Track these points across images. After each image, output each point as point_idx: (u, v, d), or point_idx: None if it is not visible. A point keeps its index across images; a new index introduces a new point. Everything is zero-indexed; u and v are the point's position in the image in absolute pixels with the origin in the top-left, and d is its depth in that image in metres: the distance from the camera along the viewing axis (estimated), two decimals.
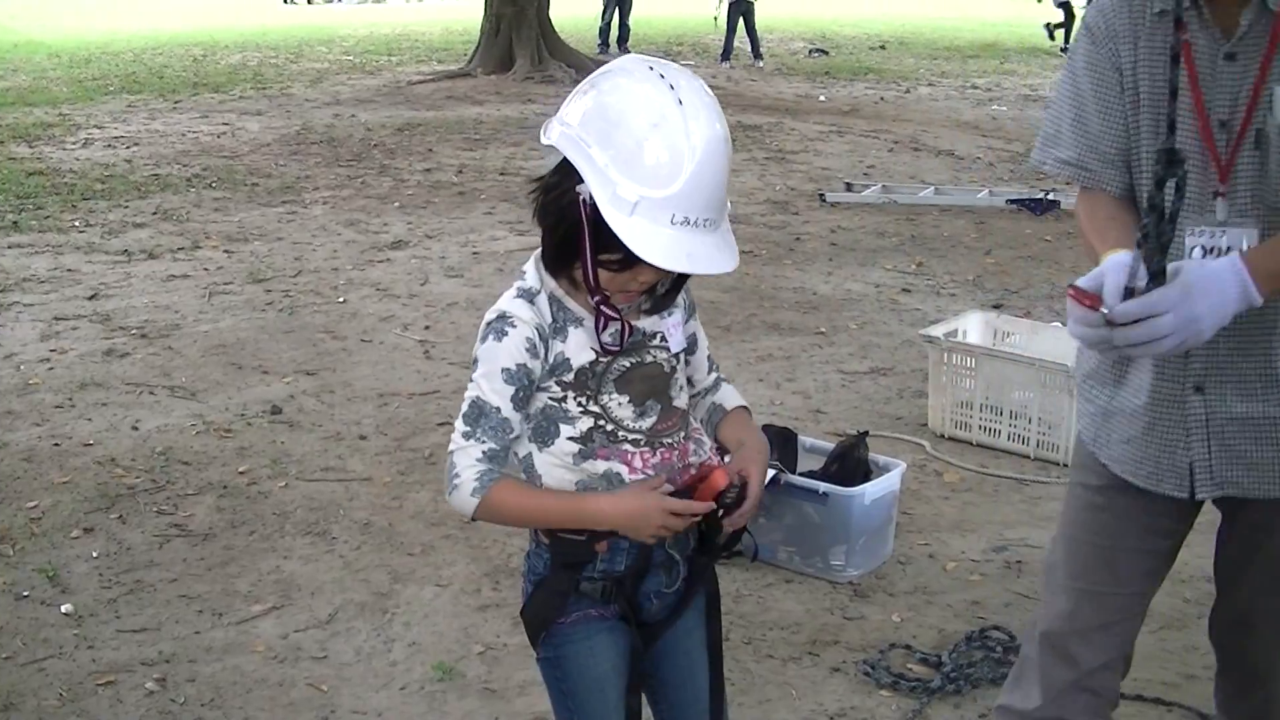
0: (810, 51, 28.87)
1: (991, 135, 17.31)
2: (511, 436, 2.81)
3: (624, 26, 27.91)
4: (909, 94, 22.00)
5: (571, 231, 2.66)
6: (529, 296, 2.79)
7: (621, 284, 2.73)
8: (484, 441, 2.76)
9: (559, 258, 2.74)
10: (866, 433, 5.81)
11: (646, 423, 2.85)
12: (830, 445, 5.74)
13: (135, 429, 6.81)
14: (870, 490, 5.30)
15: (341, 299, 9.23)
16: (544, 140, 2.70)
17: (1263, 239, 2.89)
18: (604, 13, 27.95)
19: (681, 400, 2.96)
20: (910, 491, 6.04)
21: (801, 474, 5.54)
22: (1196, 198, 2.94)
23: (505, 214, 11.88)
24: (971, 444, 6.73)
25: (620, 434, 2.82)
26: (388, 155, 15.05)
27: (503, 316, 2.76)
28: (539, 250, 2.81)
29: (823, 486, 5.29)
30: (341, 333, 8.47)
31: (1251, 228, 2.91)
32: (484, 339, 2.79)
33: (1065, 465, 6.16)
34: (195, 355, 7.98)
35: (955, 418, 6.83)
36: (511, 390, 2.76)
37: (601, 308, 2.76)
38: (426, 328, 8.60)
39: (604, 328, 2.79)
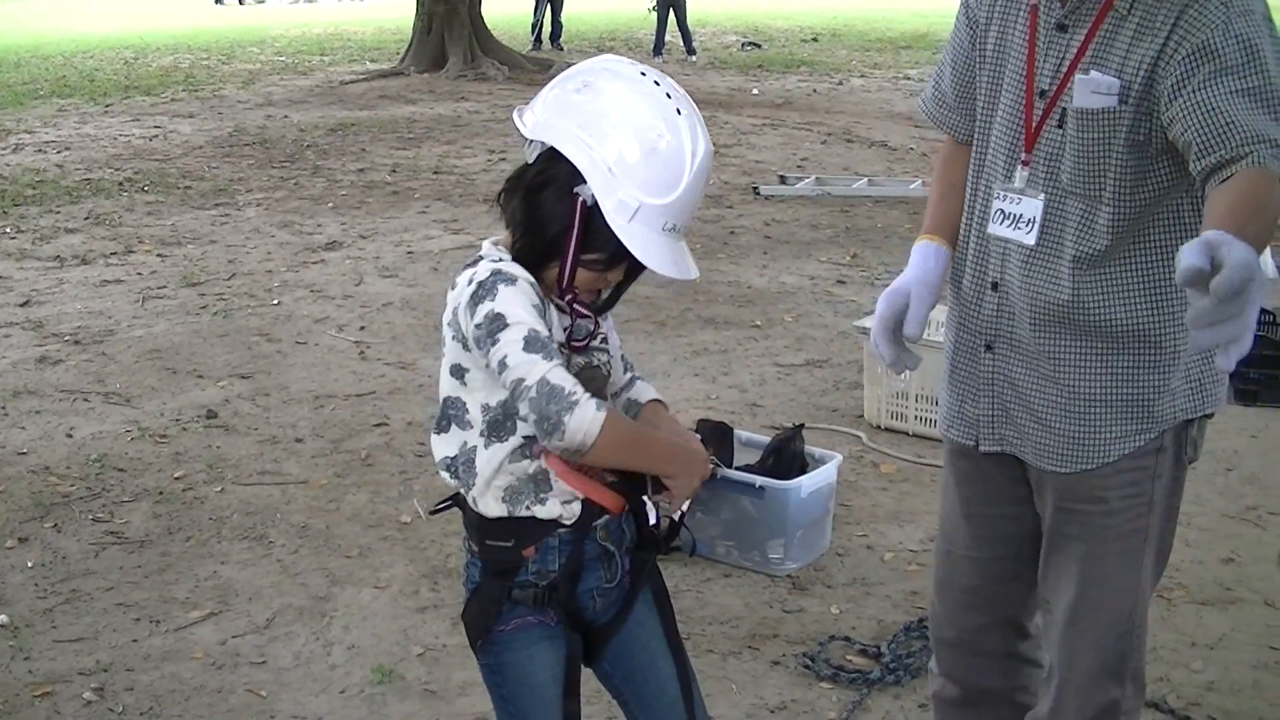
0: (743, 45, 28.91)
1: (924, 126, 17.32)
2: None
3: (556, 23, 27.89)
4: (842, 86, 22.05)
5: (562, 230, 2.67)
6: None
7: (591, 284, 2.76)
8: (562, 364, 2.64)
9: (540, 256, 2.73)
10: (802, 426, 5.83)
11: None
12: (766, 439, 5.75)
13: (70, 436, 6.77)
14: (807, 483, 5.32)
15: (276, 301, 9.19)
16: (532, 136, 2.70)
17: (1046, 211, 3.01)
18: (536, 9, 27.91)
19: (613, 406, 2.97)
20: (847, 483, 6.07)
21: (738, 468, 5.55)
22: (1005, 161, 3.10)
23: (439, 213, 11.86)
24: (908, 434, 6.76)
25: None
26: (321, 156, 14.99)
27: (499, 272, 2.67)
28: (492, 239, 2.80)
29: (759, 480, 5.31)
30: (276, 335, 8.43)
31: (1038, 198, 3.03)
32: (490, 293, 2.64)
33: None
34: (129, 361, 7.93)
35: (891, 409, 6.86)
36: (542, 328, 2.66)
37: (575, 305, 2.77)
38: (362, 328, 8.57)
39: (570, 325, 2.81)
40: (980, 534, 3.41)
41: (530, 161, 2.73)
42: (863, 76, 23.51)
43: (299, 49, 28.90)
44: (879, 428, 6.86)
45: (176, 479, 6.24)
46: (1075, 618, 3.25)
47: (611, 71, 2.75)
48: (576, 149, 2.64)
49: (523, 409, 2.62)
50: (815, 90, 21.34)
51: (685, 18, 26.29)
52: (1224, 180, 2.67)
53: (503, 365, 2.62)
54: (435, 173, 13.55)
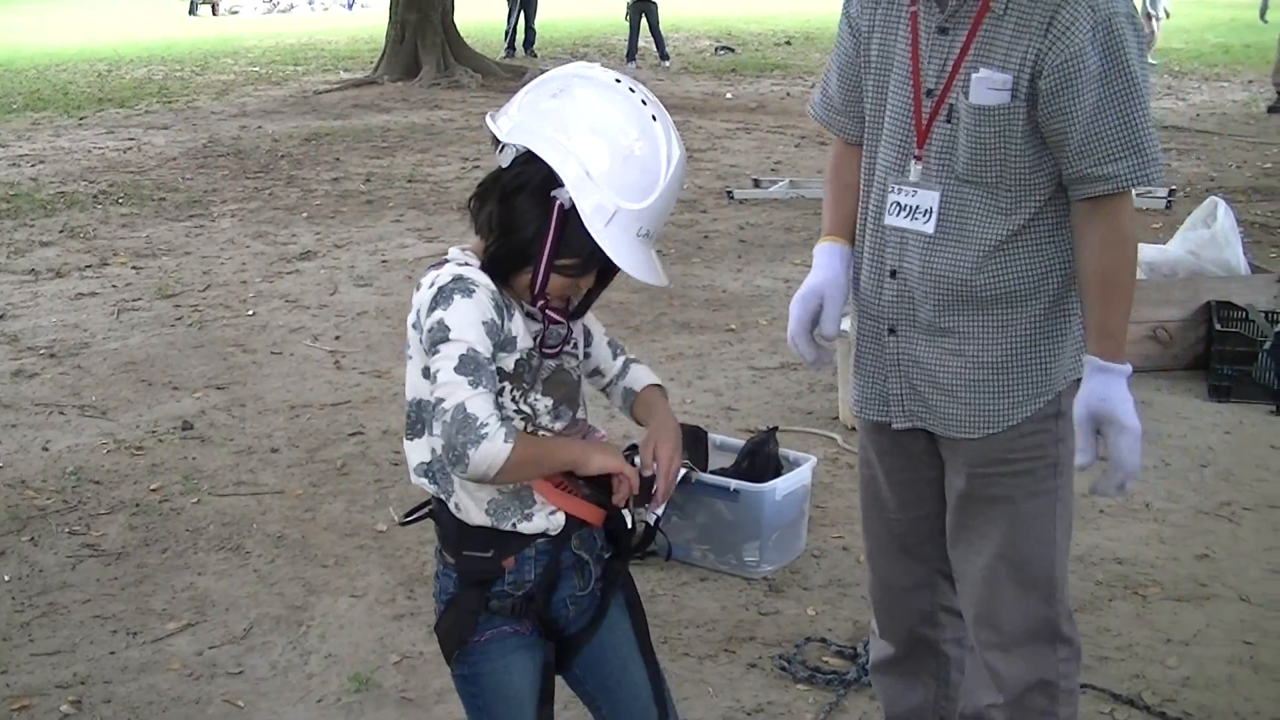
0: (716, 49, 28.96)
1: None
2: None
3: (529, 30, 27.88)
4: (815, 89, 22.07)
5: (536, 234, 2.69)
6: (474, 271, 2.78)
7: (563, 290, 2.78)
8: (490, 390, 2.67)
9: (514, 261, 2.75)
10: (776, 428, 5.85)
11: (558, 427, 2.88)
12: (741, 442, 5.77)
13: (46, 449, 6.76)
14: (781, 485, 5.34)
15: (251, 312, 9.19)
16: (508, 139, 2.72)
17: (943, 201, 3.21)
18: (509, 17, 27.91)
19: (584, 412, 2.99)
20: (822, 485, 6.10)
21: (713, 471, 5.57)
22: (898, 158, 3.30)
23: (413, 221, 11.87)
24: None
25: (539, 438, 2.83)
26: (295, 166, 14.98)
27: (461, 279, 2.70)
28: (460, 248, 2.82)
29: (734, 483, 5.33)
30: (251, 346, 8.43)
31: (934, 189, 3.23)
32: (446, 301, 2.68)
33: None
34: (105, 373, 7.93)
35: None
36: (491, 345, 2.70)
37: (548, 311, 2.79)
38: (337, 338, 8.58)
39: (545, 330, 2.83)
40: (907, 496, 3.61)
41: (505, 165, 2.74)
42: None
43: (273, 59, 28.87)
44: (854, 429, 6.87)
45: (153, 490, 6.24)
46: (992, 582, 3.44)
47: (586, 78, 2.78)
48: (554, 152, 2.66)
49: (435, 428, 2.65)
50: (789, 94, 21.40)
51: (658, 23, 26.34)
52: (1088, 200, 3.11)
53: (434, 378, 2.65)
54: (409, 181, 13.55)
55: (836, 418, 7.01)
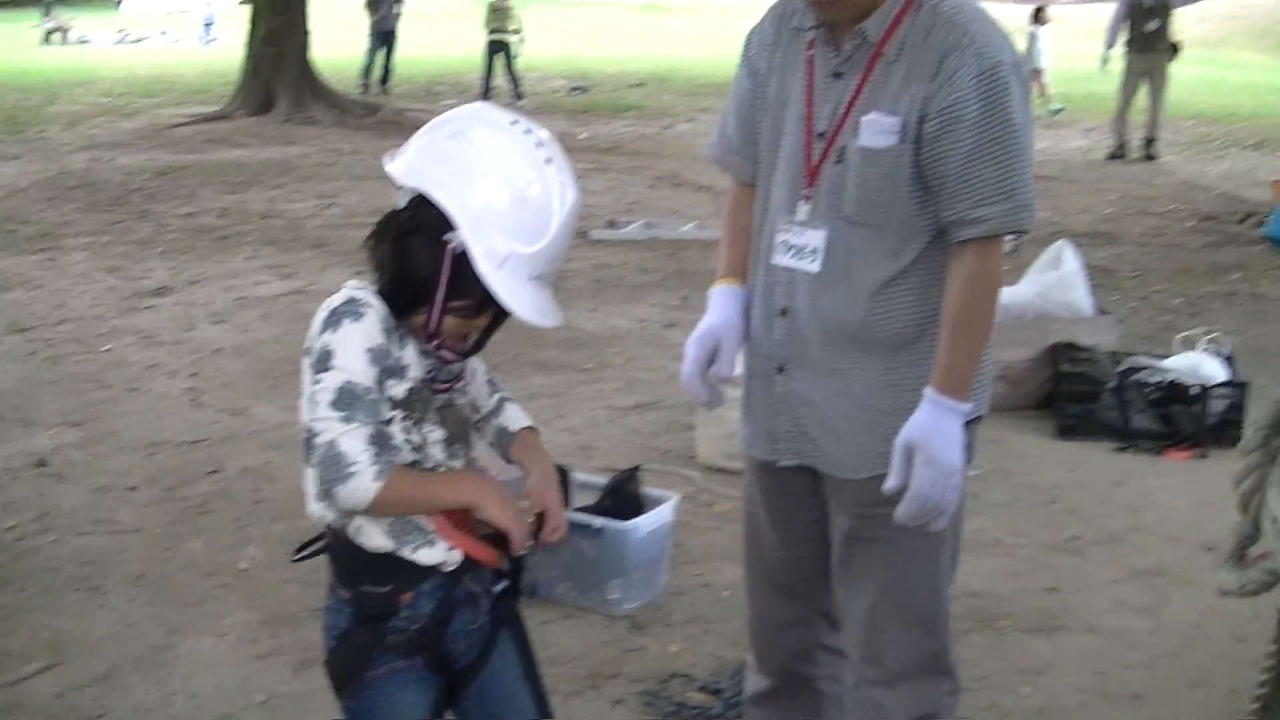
0: (571, 90, 29.09)
1: None
2: (383, 421, 2.78)
3: (386, 68, 27.80)
4: (668, 130, 22.31)
5: (430, 277, 2.73)
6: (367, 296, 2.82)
7: (457, 330, 2.83)
8: (366, 424, 2.69)
9: (408, 302, 2.79)
10: (639, 467, 5.91)
11: (456, 464, 2.93)
12: (603, 481, 5.83)
13: None
14: (644, 523, 5.40)
15: (106, 347, 9.10)
16: (403, 181, 2.76)
17: (829, 241, 3.30)
18: (368, 53, 27.79)
19: (476, 450, 3.05)
20: (682, 523, 6.15)
21: (576, 510, 5.62)
22: (787, 198, 3.38)
23: (269, 258, 11.80)
24: (739, 474, 6.83)
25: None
26: (149, 200, 14.81)
27: (352, 300, 2.75)
28: (352, 283, 2.85)
29: (597, 521, 5.38)
30: (107, 382, 8.34)
31: (821, 229, 3.30)
32: (335, 325, 2.73)
33: None
34: None
35: (724, 449, 6.95)
36: (375, 372, 2.74)
37: (442, 351, 2.84)
38: (193, 375, 8.51)
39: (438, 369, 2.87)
40: (788, 535, 3.67)
41: (400, 207, 2.79)
42: (690, 121, 23.80)
43: (125, 90, 28.47)
44: (712, 468, 6.96)
45: (8, 529, 6.16)
46: (876, 621, 3.51)
47: (483, 120, 2.83)
48: (447, 195, 2.71)
49: (308, 460, 2.69)
50: (643, 134, 21.55)
51: (513, 63, 26.41)
52: (961, 243, 3.21)
53: (311, 406, 2.69)
54: (264, 217, 13.48)
55: (694, 457, 7.08)
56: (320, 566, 5.31)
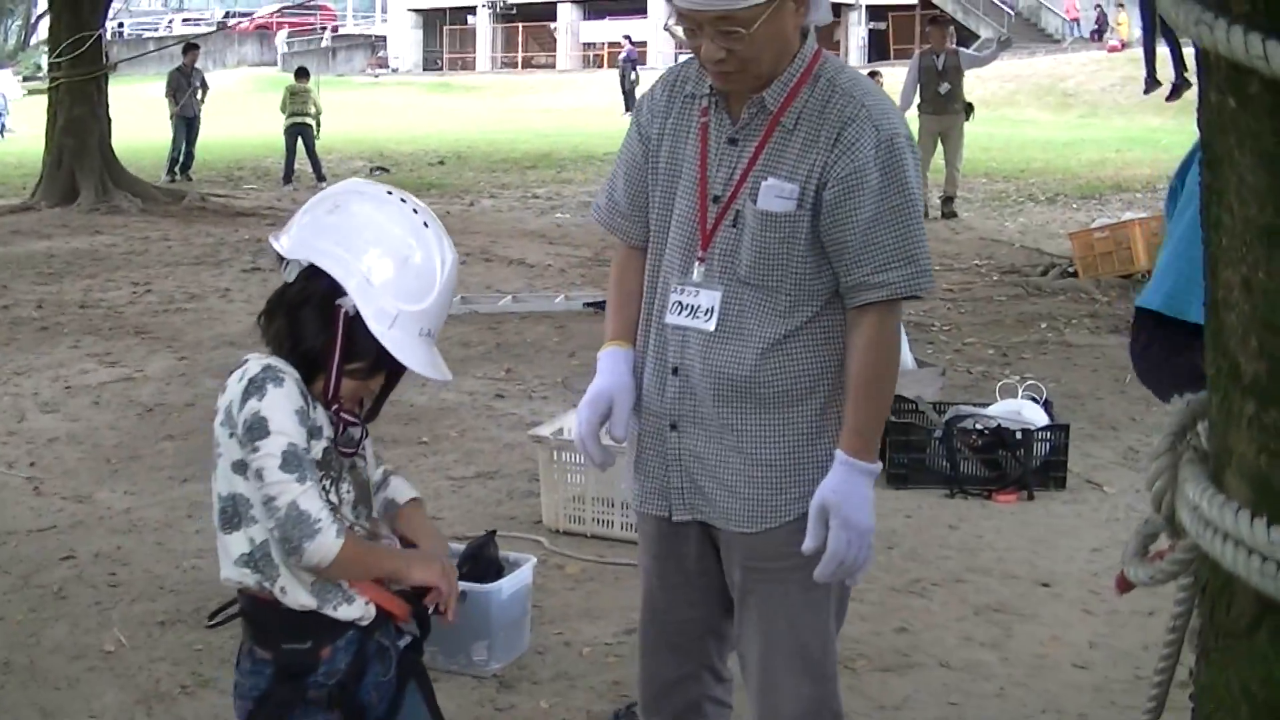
0: (371, 170, 29.09)
1: (559, 243, 17.86)
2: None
3: (189, 154, 27.54)
4: (473, 207, 22.47)
5: (326, 342, 2.90)
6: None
7: (355, 393, 3.00)
8: (315, 482, 2.86)
9: (306, 370, 2.95)
10: (494, 532, 6.06)
11: (364, 525, 3.09)
12: (460, 548, 5.97)
13: None
14: (506, 585, 5.55)
15: None
16: (291, 255, 2.93)
17: (724, 300, 3.45)
18: (174, 142, 27.43)
19: (376, 513, 3.22)
20: (536, 586, 6.30)
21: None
22: (682, 260, 3.52)
23: (91, 347, 11.69)
24: (586, 536, 7.05)
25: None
26: None
27: (269, 368, 2.91)
28: (256, 356, 3.01)
29: (461, 585, 5.51)
30: None
31: (716, 290, 3.45)
32: (260, 392, 2.88)
33: None
34: None
35: (569, 512, 7.15)
36: (305, 432, 2.89)
37: (342, 414, 3.00)
38: (32, 464, 8.45)
39: (340, 433, 3.03)
40: (677, 598, 3.79)
41: (290, 281, 2.96)
42: (492, 197, 23.99)
43: None
44: (558, 531, 7.13)
45: None
46: (769, 668, 3.64)
47: (359, 193, 3.04)
48: (335, 264, 2.90)
49: (269, 524, 2.85)
50: (449, 211, 21.62)
51: (314, 145, 26.40)
52: (859, 308, 3.40)
53: (259, 476, 2.85)
54: (82, 307, 13.34)
55: (539, 521, 7.25)
56: (185, 645, 5.44)
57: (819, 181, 3.34)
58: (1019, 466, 7.77)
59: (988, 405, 8.27)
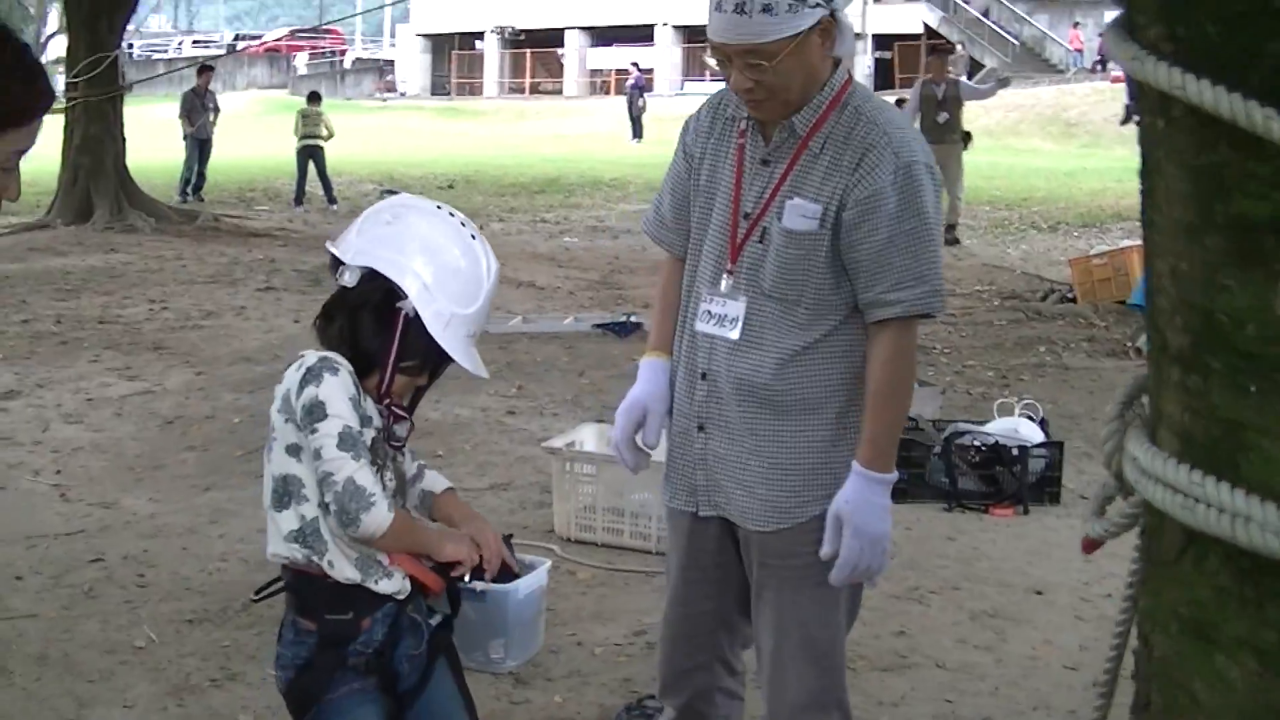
0: (382, 193, 29.26)
1: (567, 266, 18.12)
2: None
3: (200, 175, 27.74)
4: (483, 230, 22.55)
5: (384, 341, 3.17)
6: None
7: (405, 388, 3.28)
8: (368, 461, 3.11)
9: (363, 367, 3.22)
10: (511, 535, 6.29)
11: (404, 511, 3.35)
12: None
13: None
14: (523, 586, 5.79)
15: None
16: (355, 262, 3.19)
17: (748, 311, 3.69)
18: (187, 164, 27.64)
19: (411, 504, 3.49)
20: (548, 591, 6.55)
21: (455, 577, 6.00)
22: (713, 271, 3.78)
23: (111, 361, 11.96)
24: (597, 544, 7.30)
25: None
26: None
27: (326, 359, 3.18)
28: (309, 351, 3.27)
29: (479, 585, 5.75)
30: None
31: (741, 301, 3.71)
32: (318, 379, 3.14)
33: None
34: None
35: (580, 522, 7.40)
36: (358, 418, 3.15)
37: (394, 408, 3.27)
38: (58, 472, 8.70)
39: (390, 426, 3.30)
40: (694, 590, 4.04)
41: (351, 285, 3.23)
42: (501, 220, 24.23)
43: None
44: (569, 540, 7.38)
45: None
46: (780, 659, 3.87)
47: (413, 206, 3.33)
48: (396, 270, 3.17)
49: (327, 498, 3.11)
50: None
51: (325, 168, 26.66)
52: (876, 324, 3.61)
53: (317, 455, 3.12)
54: (100, 322, 13.61)
55: (552, 530, 7.50)
56: (213, 642, 5.68)
57: (840, 203, 3.57)
58: (1015, 482, 8.03)
59: (985, 423, 8.52)
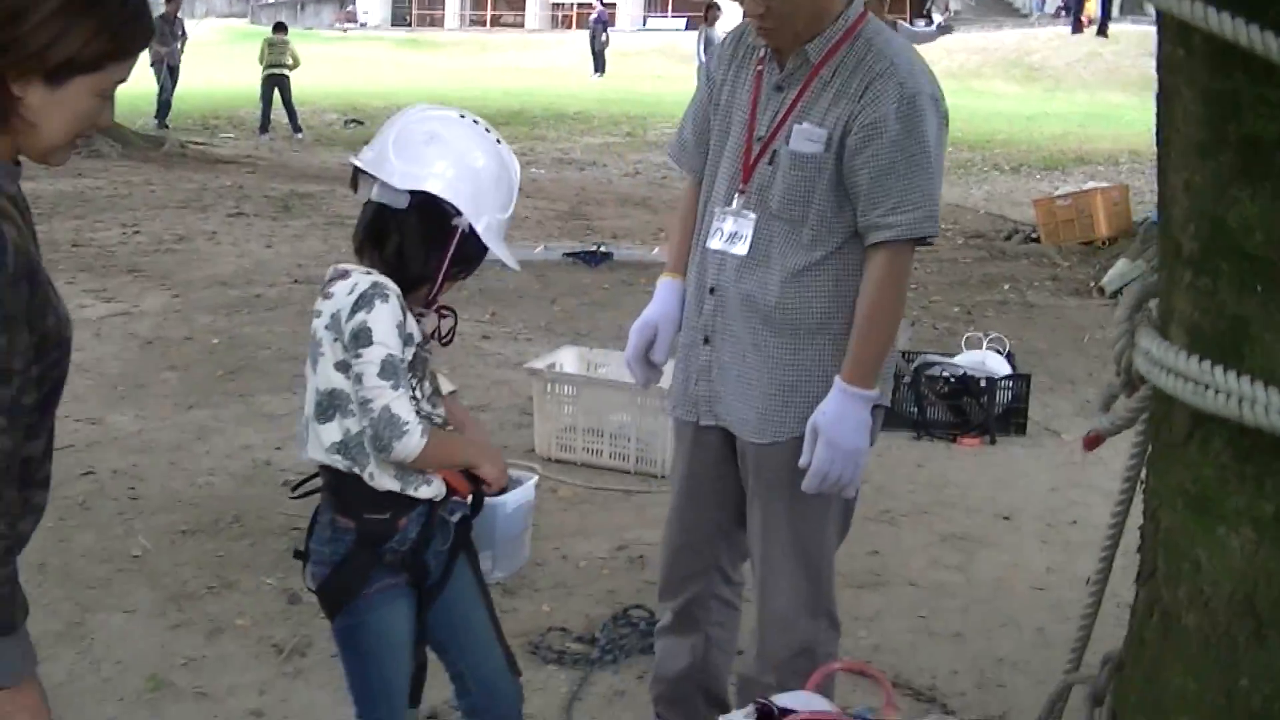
0: (346, 122, 29.42)
1: (535, 196, 18.21)
2: None
3: (167, 102, 27.64)
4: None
5: (438, 256, 3.32)
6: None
7: (448, 291, 3.43)
8: (407, 389, 3.25)
9: (413, 279, 3.37)
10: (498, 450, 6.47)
11: (439, 411, 3.50)
12: None
13: None
14: (511, 499, 5.95)
15: None
16: (404, 186, 3.30)
17: (756, 229, 3.84)
18: (162, 89, 27.49)
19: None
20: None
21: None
22: (726, 190, 3.95)
23: (87, 283, 12.06)
24: (577, 464, 7.51)
25: (431, 421, 3.42)
26: None
27: (376, 284, 3.29)
28: (358, 270, 3.40)
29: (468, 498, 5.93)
30: None
31: (751, 219, 3.86)
32: (369, 306, 3.24)
33: (663, 477, 6.95)
34: None
35: (560, 441, 7.59)
36: (402, 344, 3.27)
37: (442, 310, 3.43)
38: None
39: (437, 326, 3.47)
40: (693, 499, 4.21)
41: (401, 206, 3.35)
42: None
43: None
44: (550, 459, 7.57)
45: None
46: (770, 564, 4.04)
47: (442, 119, 3.44)
48: (452, 192, 3.32)
49: (364, 422, 3.27)
50: None
51: (290, 97, 26.65)
52: (873, 246, 3.72)
53: (358, 380, 3.26)
54: (74, 246, 13.69)
55: (532, 450, 7.67)
56: (207, 552, 5.84)
57: (844, 129, 3.70)
58: (982, 412, 8.24)
59: (954, 356, 8.72)
